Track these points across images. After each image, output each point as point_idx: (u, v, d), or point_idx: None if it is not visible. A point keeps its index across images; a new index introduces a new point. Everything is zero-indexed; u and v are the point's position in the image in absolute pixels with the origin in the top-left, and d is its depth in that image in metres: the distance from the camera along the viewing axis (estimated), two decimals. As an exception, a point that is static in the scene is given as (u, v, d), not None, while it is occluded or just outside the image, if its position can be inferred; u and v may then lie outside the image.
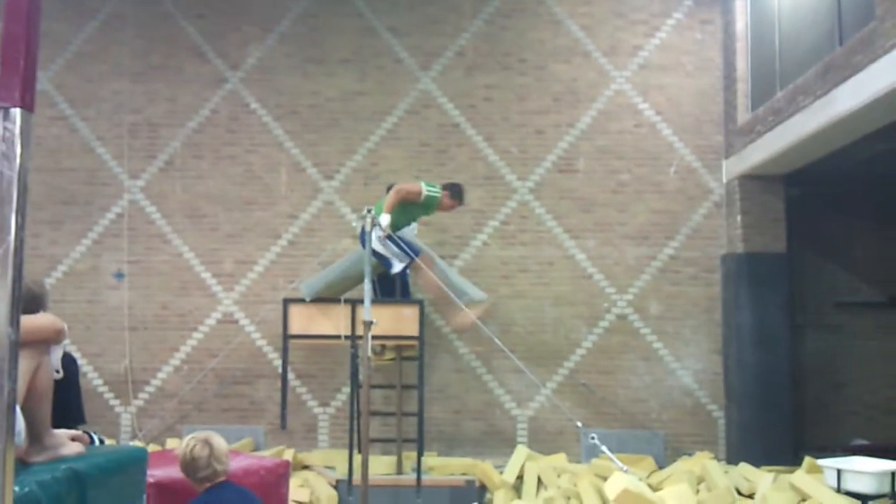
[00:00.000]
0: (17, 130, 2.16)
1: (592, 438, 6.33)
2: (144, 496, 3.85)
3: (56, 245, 9.92)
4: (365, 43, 10.09)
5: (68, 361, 4.77)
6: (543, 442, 9.53)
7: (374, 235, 7.25)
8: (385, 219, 7.75)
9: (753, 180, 9.41)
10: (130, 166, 9.99)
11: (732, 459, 9.19)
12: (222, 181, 9.97)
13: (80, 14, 10.15)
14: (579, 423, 8.40)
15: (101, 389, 9.76)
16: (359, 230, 8.47)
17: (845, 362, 10.05)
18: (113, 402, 9.76)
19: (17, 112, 2.16)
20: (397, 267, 8.12)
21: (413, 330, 8.30)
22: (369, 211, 6.73)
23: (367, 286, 6.50)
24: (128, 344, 9.76)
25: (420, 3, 10.13)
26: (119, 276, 9.86)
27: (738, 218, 9.45)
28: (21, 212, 2.17)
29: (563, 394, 9.65)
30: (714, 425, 9.66)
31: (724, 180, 9.83)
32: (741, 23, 9.61)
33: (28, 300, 3.50)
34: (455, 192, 8.43)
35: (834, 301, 10.12)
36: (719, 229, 9.83)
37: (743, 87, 9.57)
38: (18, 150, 2.16)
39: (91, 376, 9.72)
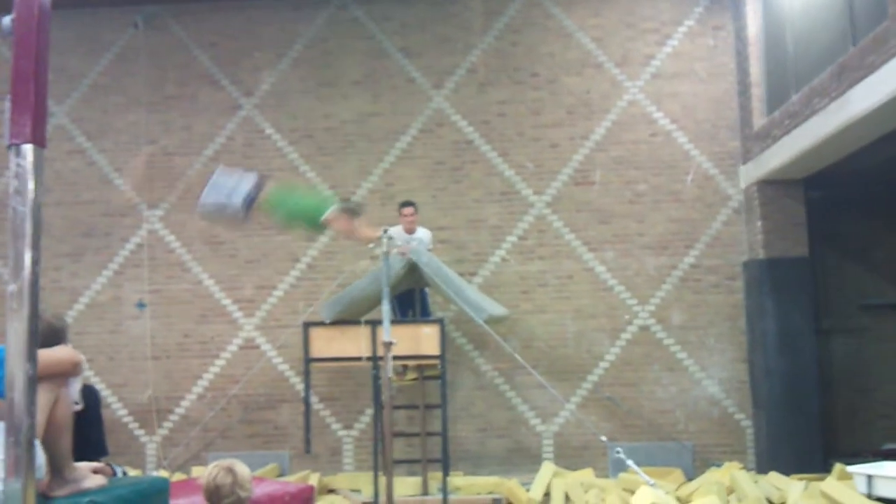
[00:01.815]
0: (29, 166, 2.17)
1: (618, 452, 6.26)
2: (169, 526, 3.84)
3: (77, 277, 9.99)
4: (377, 64, 10.13)
5: (90, 393, 4.80)
6: (570, 457, 9.45)
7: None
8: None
9: (772, 185, 9.33)
10: (148, 196, 10.06)
11: (762, 468, 9.07)
12: (240, 207, 10.00)
13: (95, 47, 10.27)
14: (604, 438, 8.33)
15: (125, 420, 9.79)
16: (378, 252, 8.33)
17: (873, 366, 9.91)
18: (138, 432, 9.79)
19: (28, 148, 2.17)
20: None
21: (434, 349, 8.27)
22: (385, 231, 6.72)
23: (385, 307, 6.49)
24: (151, 373, 9.80)
25: (430, 23, 10.17)
26: (140, 305, 9.92)
27: (759, 223, 9.36)
28: (35, 247, 2.18)
29: (587, 408, 9.58)
30: (742, 434, 9.54)
31: (743, 186, 9.76)
32: (753, 27, 9.56)
33: (48, 334, 3.53)
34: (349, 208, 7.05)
35: (859, 304, 9.99)
36: (740, 236, 9.75)
37: (758, 92, 9.51)
38: (31, 186, 2.17)
39: (115, 407, 9.76)
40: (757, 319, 9.33)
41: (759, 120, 9.43)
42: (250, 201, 6.40)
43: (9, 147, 2.18)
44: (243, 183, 6.44)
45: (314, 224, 6.60)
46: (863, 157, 8.21)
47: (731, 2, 9.97)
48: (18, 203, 2.15)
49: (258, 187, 6.45)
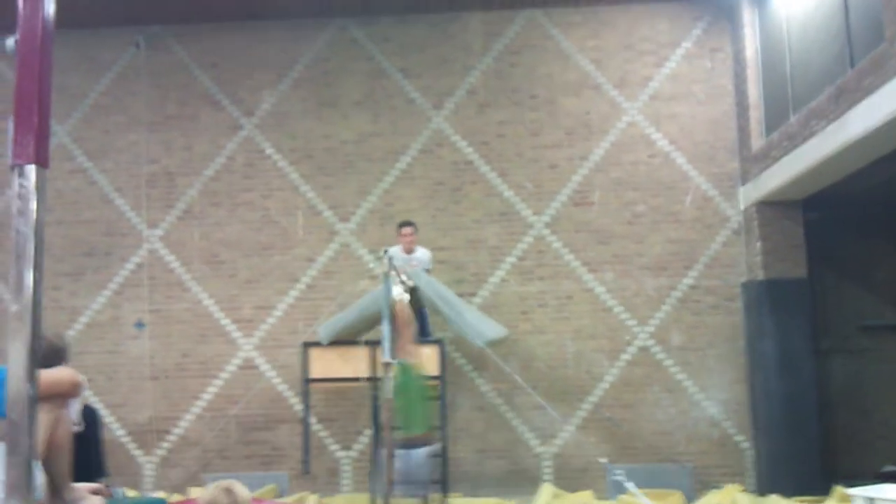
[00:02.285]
0: (32, 187, 2.17)
1: (618, 474, 6.23)
2: (167, 548, 3.82)
3: (77, 297, 9.98)
4: (377, 85, 10.18)
5: (89, 414, 4.78)
6: (569, 479, 9.40)
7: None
8: (398, 291, 7.51)
9: (771, 206, 9.35)
10: (149, 216, 10.08)
11: (762, 490, 9.03)
12: (240, 227, 10.04)
13: (96, 67, 10.32)
14: (603, 460, 8.29)
15: (123, 440, 9.74)
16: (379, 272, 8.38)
17: (872, 387, 9.88)
18: (136, 452, 9.75)
19: (31, 169, 2.18)
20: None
21: (434, 369, 8.25)
22: (385, 252, 6.73)
23: (384, 327, 6.48)
24: (150, 393, 9.77)
25: (430, 44, 10.22)
26: (140, 325, 9.90)
27: (758, 245, 9.37)
28: (37, 268, 2.18)
29: (587, 429, 9.55)
30: (742, 456, 9.51)
31: (742, 207, 9.78)
32: (751, 49, 9.62)
33: (49, 353, 3.52)
34: None
35: (858, 325, 9.98)
36: (738, 257, 9.75)
37: (756, 114, 9.55)
38: (34, 207, 2.17)
39: (114, 427, 9.72)
40: (756, 340, 9.32)
41: (757, 141, 9.47)
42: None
43: (12, 168, 2.18)
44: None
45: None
46: (861, 179, 8.24)
47: (729, 24, 10.03)
48: (21, 224, 2.15)
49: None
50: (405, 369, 6.85)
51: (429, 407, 7.06)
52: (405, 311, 7.40)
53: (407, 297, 7.09)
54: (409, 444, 6.83)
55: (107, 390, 9.76)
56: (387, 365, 6.33)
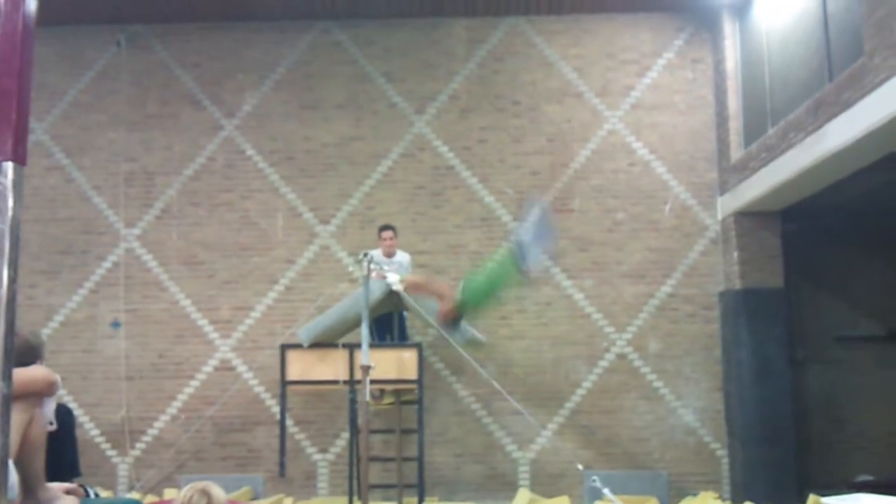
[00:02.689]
0: (9, 184, 2.16)
1: (594, 481, 6.24)
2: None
3: (52, 295, 9.90)
4: (359, 88, 10.18)
5: (64, 413, 4.74)
6: (546, 485, 9.43)
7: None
8: (393, 277, 7.62)
9: (749, 216, 9.43)
10: (127, 215, 10.01)
11: (737, 498, 9.09)
12: (219, 228, 9.99)
13: (76, 65, 10.25)
14: (580, 466, 8.32)
15: (97, 440, 9.66)
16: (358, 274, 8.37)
17: (847, 397, 9.97)
18: (110, 452, 9.67)
19: (8, 165, 2.16)
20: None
21: (412, 373, 8.25)
22: (365, 255, 6.72)
23: (364, 330, 6.47)
24: (125, 393, 9.70)
25: (413, 49, 10.23)
26: (116, 325, 9.83)
27: (735, 254, 9.44)
28: (13, 265, 2.16)
29: (564, 435, 9.58)
30: (717, 464, 9.57)
31: (720, 217, 9.86)
32: (731, 61, 9.70)
33: (24, 351, 3.49)
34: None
35: (834, 335, 10.08)
36: (716, 266, 9.82)
37: (735, 125, 9.63)
38: (10, 204, 2.16)
39: (87, 427, 9.63)
40: (732, 349, 9.39)
41: (736, 152, 9.54)
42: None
43: (-11, 164, 2.17)
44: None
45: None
46: (838, 190, 8.31)
47: (711, 35, 10.11)
48: (-2, 221, 2.13)
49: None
50: (465, 298, 6.99)
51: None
52: (413, 282, 7.48)
53: (398, 280, 7.16)
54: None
55: (81, 389, 9.68)
56: (366, 368, 6.32)
